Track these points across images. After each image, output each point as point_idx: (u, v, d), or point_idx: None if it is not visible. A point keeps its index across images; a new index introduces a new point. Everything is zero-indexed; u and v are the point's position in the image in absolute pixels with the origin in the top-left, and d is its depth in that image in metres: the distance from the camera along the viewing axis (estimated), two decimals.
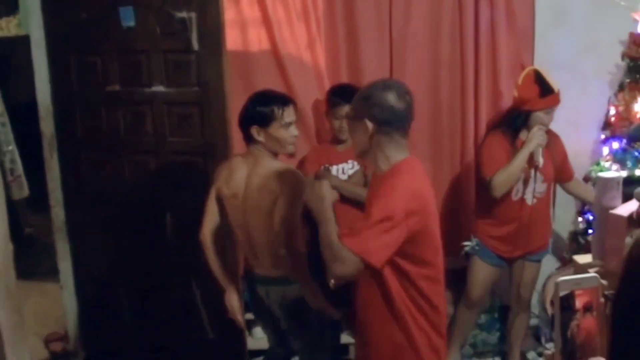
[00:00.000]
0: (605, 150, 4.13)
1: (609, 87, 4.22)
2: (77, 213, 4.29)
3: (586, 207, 4.24)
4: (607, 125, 4.16)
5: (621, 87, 4.06)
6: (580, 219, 4.22)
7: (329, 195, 2.64)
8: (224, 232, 3.37)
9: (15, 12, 7.13)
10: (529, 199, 3.86)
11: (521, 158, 3.70)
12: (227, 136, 3.91)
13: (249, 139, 3.21)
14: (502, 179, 3.72)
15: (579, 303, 1.41)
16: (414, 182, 2.58)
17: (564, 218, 4.44)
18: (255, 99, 3.23)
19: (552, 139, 3.88)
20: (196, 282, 4.06)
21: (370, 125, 2.57)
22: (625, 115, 4.00)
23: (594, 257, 2.41)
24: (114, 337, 4.29)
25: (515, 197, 3.85)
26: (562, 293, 1.41)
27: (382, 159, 2.62)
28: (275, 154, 3.23)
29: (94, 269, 4.26)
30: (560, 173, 4.00)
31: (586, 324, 1.41)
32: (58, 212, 4.32)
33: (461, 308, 4.22)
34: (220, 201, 3.31)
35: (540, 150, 3.71)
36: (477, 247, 4.04)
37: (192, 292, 4.07)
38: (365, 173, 3.96)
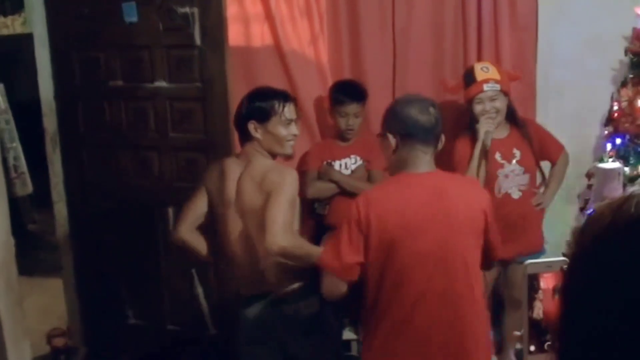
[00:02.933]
0: (609, 146, 4.11)
1: (612, 83, 4.20)
2: (79, 209, 4.28)
3: (588, 204, 4.23)
4: (610, 121, 4.14)
5: (624, 83, 4.04)
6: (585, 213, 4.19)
7: None
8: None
9: (20, 10, 7.18)
10: (514, 193, 3.85)
11: (476, 152, 3.73)
12: (229, 132, 3.89)
13: (244, 137, 3.04)
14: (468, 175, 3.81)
15: (545, 285, 1.41)
16: (386, 191, 2.66)
17: (567, 214, 4.42)
18: (254, 94, 3.08)
19: (526, 125, 3.90)
20: (198, 277, 4.06)
21: (393, 139, 2.63)
22: (629, 111, 3.98)
23: None
24: (116, 332, 4.29)
25: (498, 194, 3.83)
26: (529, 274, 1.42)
27: (396, 170, 2.69)
28: (272, 154, 3.04)
29: (96, 264, 4.26)
30: (545, 155, 3.96)
31: (553, 306, 1.41)
32: (61, 208, 4.32)
33: None
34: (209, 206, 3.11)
35: (490, 136, 3.72)
36: None
37: (194, 288, 4.07)
38: (368, 168, 3.97)
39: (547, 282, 1.42)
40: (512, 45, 4.20)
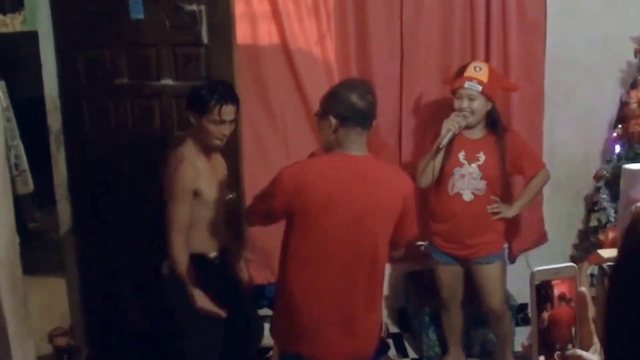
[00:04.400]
0: (617, 148, 4.10)
1: (620, 85, 4.20)
2: (83, 207, 4.24)
3: (596, 207, 4.21)
4: (619, 122, 4.13)
5: (634, 85, 4.04)
6: (592, 216, 4.18)
7: None
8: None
9: (20, 8, 7.14)
10: (466, 195, 3.83)
11: (435, 146, 3.77)
12: (235, 131, 3.84)
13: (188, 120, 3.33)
14: (418, 167, 3.86)
15: (556, 292, 1.39)
16: (313, 166, 2.89)
17: (574, 216, 4.41)
18: (202, 86, 3.30)
19: (504, 134, 3.85)
20: None
21: (333, 121, 2.81)
22: (638, 113, 3.97)
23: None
24: (119, 332, 4.25)
25: (451, 192, 3.85)
26: (537, 282, 1.38)
27: (330, 150, 2.88)
28: (201, 141, 3.28)
29: (100, 263, 4.22)
30: (518, 169, 3.92)
31: (562, 314, 1.39)
32: (64, 207, 4.27)
33: (441, 309, 4.20)
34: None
35: (450, 134, 3.71)
36: (428, 247, 4.04)
37: None
38: None
39: (556, 289, 1.39)
40: (520, 47, 4.19)
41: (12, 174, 5.49)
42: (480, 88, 3.73)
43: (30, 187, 5.82)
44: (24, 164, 5.75)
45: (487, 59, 4.18)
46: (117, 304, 4.25)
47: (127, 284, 4.22)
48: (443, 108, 4.31)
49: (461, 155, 3.84)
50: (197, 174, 3.25)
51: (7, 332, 3.26)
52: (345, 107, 2.79)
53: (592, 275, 3.22)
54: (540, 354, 1.38)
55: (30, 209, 6.29)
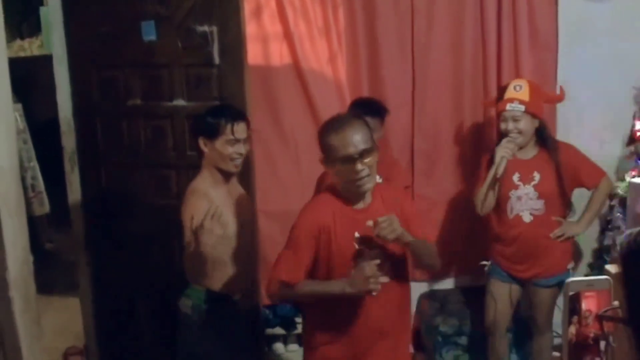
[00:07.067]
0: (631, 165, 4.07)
1: (633, 102, 4.17)
2: (97, 227, 4.27)
3: (610, 225, 4.17)
4: (632, 140, 4.11)
5: None
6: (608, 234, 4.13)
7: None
8: None
9: (37, 33, 7.23)
10: (525, 217, 3.76)
11: (489, 176, 3.68)
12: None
13: (199, 151, 3.22)
14: (478, 197, 3.77)
15: (586, 305, 1.38)
16: None
17: (588, 235, 4.37)
18: (208, 110, 3.23)
19: (558, 149, 3.77)
20: None
21: None
22: None
23: None
24: (133, 351, 4.26)
25: (510, 214, 3.78)
26: (571, 293, 1.38)
27: None
28: (218, 170, 3.18)
29: (114, 283, 4.24)
30: (578, 181, 3.81)
31: (595, 326, 1.38)
32: (78, 227, 4.31)
33: (487, 336, 4.07)
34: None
35: (504, 162, 3.62)
36: (491, 267, 3.95)
37: None
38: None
39: (589, 303, 1.39)
40: (532, 65, 4.18)
41: (29, 195, 5.55)
42: (523, 108, 3.63)
43: (47, 207, 5.88)
44: (40, 185, 5.82)
45: (498, 79, 4.18)
46: (131, 323, 4.25)
47: (140, 304, 4.23)
48: (454, 126, 4.32)
49: (515, 177, 3.76)
50: (209, 204, 3.01)
51: (21, 350, 3.28)
52: None
53: None
54: None
55: (46, 230, 6.35)
